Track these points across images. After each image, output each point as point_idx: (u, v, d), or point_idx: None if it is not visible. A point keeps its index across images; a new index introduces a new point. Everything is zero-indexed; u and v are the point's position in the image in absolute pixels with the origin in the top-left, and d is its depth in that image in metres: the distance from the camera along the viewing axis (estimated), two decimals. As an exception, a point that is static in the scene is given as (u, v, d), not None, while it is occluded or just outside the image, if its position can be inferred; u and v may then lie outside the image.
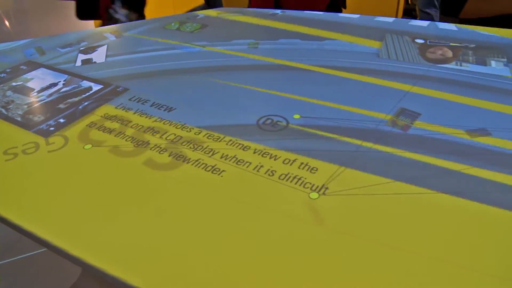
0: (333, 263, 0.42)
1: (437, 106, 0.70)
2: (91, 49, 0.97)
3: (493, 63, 0.89)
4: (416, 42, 0.96)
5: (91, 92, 0.78)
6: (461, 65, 0.87)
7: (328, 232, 0.46)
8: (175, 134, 0.64)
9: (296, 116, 0.66)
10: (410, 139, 0.61)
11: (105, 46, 0.98)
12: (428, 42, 0.96)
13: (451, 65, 0.87)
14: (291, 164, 0.55)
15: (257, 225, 0.48)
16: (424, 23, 1.08)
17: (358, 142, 0.60)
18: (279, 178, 0.53)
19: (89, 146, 0.63)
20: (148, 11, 1.78)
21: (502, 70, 0.86)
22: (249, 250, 0.45)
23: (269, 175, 0.54)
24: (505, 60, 0.91)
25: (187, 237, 0.47)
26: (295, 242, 0.45)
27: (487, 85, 0.80)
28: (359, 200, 0.50)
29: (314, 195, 0.50)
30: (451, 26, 1.07)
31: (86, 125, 0.68)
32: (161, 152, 0.60)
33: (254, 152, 0.58)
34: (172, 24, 1.11)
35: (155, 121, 0.68)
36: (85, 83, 0.82)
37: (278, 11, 1.15)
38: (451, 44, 0.96)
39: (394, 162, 0.56)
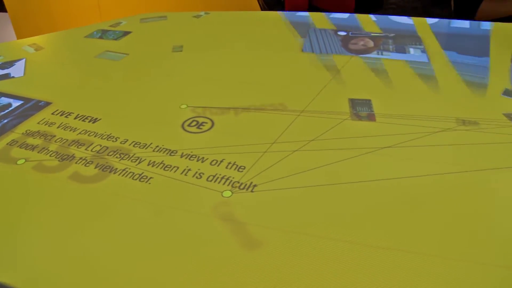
0: (242, 258, 0.43)
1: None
2: (8, 64, 0.93)
3: (411, 50, 0.93)
4: (339, 35, 0.99)
5: (10, 108, 0.75)
6: (382, 54, 0.91)
7: (241, 228, 0.46)
8: (100, 145, 0.62)
9: (182, 105, 0.67)
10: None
11: (24, 60, 0.94)
12: (350, 34, 0.99)
13: (373, 55, 0.90)
14: (218, 165, 0.55)
15: (182, 230, 0.48)
16: (345, 15, 1.11)
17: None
18: (207, 180, 0.53)
19: (22, 161, 0.60)
20: (74, 20, 1.73)
21: (421, 57, 0.90)
22: (171, 254, 0.45)
23: (196, 178, 0.54)
24: (422, 47, 0.95)
25: (116, 250, 0.46)
26: (214, 244, 0.45)
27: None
28: (282, 194, 0.51)
29: (227, 193, 0.51)
30: (371, 17, 1.11)
31: (7, 144, 0.65)
32: (87, 164, 0.58)
33: (181, 156, 0.58)
34: (94, 32, 1.08)
35: (80, 133, 0.66)
36: (4, 100, 0.78)
37: (202, 13, 1.14)
38: (372, 34, 1.00)
39: (313, 154, 0.58)
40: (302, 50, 0.90)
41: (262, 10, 1.47)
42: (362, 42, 0.96)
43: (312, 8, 1.22)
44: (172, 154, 0.58)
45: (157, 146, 0.60)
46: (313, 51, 0.90)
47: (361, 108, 0.68)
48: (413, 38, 0.99)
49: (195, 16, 1.13)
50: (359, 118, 0.66)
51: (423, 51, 0.93)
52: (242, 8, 1.91)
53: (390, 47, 0.94)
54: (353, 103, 0.70)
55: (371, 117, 0.66)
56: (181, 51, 0.94)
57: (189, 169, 0.55)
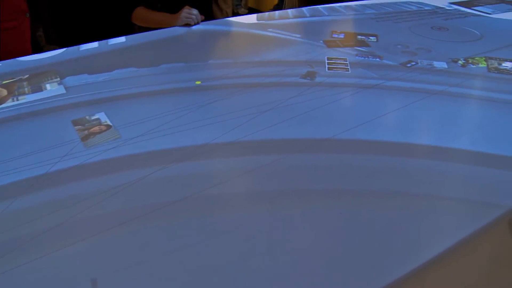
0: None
1: None
2: None
3: (48, 86, 0.93)
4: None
5: None
6: (18, 100, 0.88)
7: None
8: None
9: None
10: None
11: None
12: None
13: (8, 103, 0.86)
14: None
15: None
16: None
17: None
18: None
19: None
20: None
21: (58, 90, 0.91)
22: None
23: None
24: (58, 79, 0.96)
25: None
26: None
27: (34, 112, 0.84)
28: None
29: None
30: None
31: None
32: None
33: None
34: None
35: None
36: None
37: None
38: (4, 82, 0.95)
39: None
40: None
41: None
42: (-6, 94, 0.91)
43: None
44: None
45: None
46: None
47: None
48: (48, 74, 0.99)
49: None
50: None
51: (60, 83, 0.94)
52: (16, 49, 1.59)
53: (26, 89, 0.92)
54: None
55: None
56: None
57: None
